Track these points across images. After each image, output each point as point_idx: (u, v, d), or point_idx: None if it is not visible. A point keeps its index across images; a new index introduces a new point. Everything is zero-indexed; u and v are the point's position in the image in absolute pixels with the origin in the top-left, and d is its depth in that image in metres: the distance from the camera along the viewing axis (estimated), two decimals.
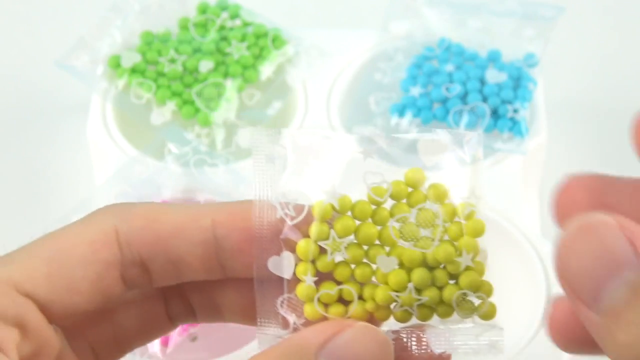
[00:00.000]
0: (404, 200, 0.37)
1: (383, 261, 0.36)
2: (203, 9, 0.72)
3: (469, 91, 0.67)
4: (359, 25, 0.81)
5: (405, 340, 0.37)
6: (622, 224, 0.33)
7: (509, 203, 0.64)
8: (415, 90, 0.68)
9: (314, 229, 0.37)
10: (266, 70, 0.70)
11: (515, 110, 0.66)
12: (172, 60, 0.69)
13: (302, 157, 0.37)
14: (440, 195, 0.37)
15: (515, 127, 0.66)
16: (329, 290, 0.37)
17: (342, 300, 0.37)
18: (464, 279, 0.36)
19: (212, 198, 0.62)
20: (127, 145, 0.67)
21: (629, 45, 0.81)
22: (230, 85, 0.69)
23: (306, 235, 0.37)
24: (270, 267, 0.37)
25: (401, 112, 0.68)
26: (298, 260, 0.37)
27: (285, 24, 0.72)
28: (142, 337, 0.39)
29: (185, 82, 0.69)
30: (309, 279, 0.37)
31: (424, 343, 0.37)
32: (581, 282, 0.33)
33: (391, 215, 0.37)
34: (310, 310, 0.37)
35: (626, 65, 0.79)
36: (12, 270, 0.36)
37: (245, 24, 0.72)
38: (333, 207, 0.37)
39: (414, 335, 0.37)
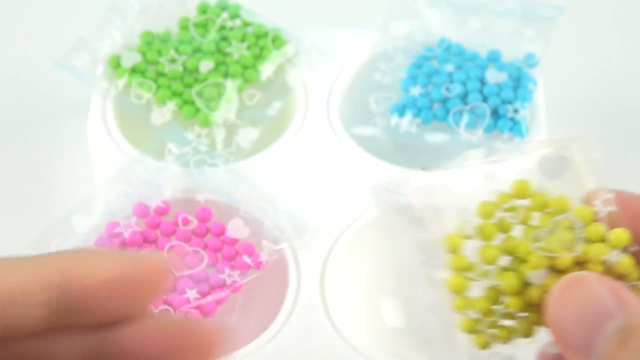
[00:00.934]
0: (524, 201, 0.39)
1: (534, 275, 0.38)
2: (203, 9, 0.72)
3: (469, 91, 0.67)
4: (359, 25, 0.81)
5: None
6: (601, 279, 0.36)
7: None
8: (415, 91, 0.68)
9: (456, 262, 0.38)
10: (266, 70, 0.70)
11: (516, 111, 0.66)
12: (172, 60, 0.69)
13: (427, 198, 0.38)
14: (563, 207, 0.38)
15: (515, 127, 0.66)
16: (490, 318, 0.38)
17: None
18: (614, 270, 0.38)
19: (212, 198, 0.62)
20: (127, 145, 0.67)
21: (629, 45, 0.81)
22: (231, 85, 0.69)
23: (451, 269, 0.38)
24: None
25: (401, 112, 0.68)
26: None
27: (285, 24, 0.72)
28: None
29: (186, 82, 0.69)
30: (471, 314, 0.38)
31: None
32: (572, 332, 0.36)
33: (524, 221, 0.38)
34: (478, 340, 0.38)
35: (627, 66, 0.79)
36: None
37: (246, 24, 0.72)
38: (463, 235, 0.38)
39: None
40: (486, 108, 0.66)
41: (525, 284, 0.38)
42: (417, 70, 0.69)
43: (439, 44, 0.70)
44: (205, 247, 0.60)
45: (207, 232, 0.60)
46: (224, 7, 0.72)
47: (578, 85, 0.78)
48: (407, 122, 0.67)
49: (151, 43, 0.70)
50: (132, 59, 0.69)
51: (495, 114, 0.66)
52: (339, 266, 0.61)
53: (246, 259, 0.59)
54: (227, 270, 0.58)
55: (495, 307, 0.38)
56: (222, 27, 0.71)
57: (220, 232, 0.60)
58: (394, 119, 0.68)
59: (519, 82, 0.68)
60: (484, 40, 0.71)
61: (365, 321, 0.63)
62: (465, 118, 0.66)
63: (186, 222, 0.60)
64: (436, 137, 0.66)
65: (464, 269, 0.37)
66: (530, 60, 0.69)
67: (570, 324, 0.35)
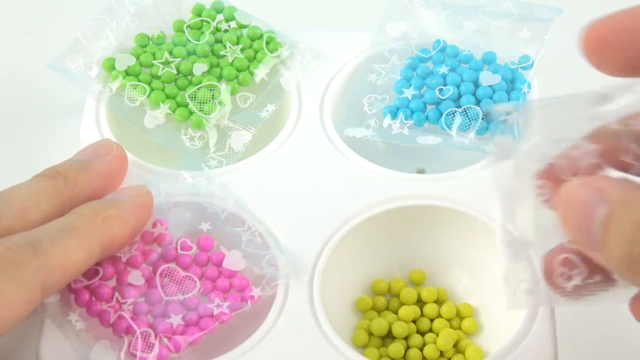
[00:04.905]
0: None
1: None
2: (198, 11, 0.72)
3: (463, 93, 0.67)
4: (354, 27, 0.81)
5: None
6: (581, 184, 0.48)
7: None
8: (409, 92, 0.68)
9: None
10: (260, 73, 0.70)
11: (507, 113, 0.66)
12: (166, 63, 0.69)
13: None
14: None
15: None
16: None
17: None
18: None
19: (216, 228, 0.62)
20: None
21: None
22: (224, 88, 0.69)
23: None
24: None
25: (394, 114, 0.67)
26: None
27: (280, 26, 0.72)
28: None
29: (180, 85, 0.69)
30: None
31: None
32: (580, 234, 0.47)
33: None
34: None
35: None
36: None
37: (241, 27, 0.71)
38: None
39: None
40: (478, 110, 0.66)
41: None
42: (411, 72, 0.69)
43: (433, 45, 0.70)
44: (202, 275, 0.60)
45: (208, 261, 0.60)
46: (219, 10, 0.72)
47: (573, 88, 0.77)
48: (399, 124, 0.67)
49: (146, 45, 0.70)
50: (126, 61, 0.69)
51: (488, 116, 0.66)
52: (329, 268, 0.61)
53: (238, 292, 0.59)
54: (217, 301, 0.58)
55: None
56: (217, 30, 0.71)
57: (219, 263, 0.60)
58: (387, 121, 0.67)
59: (513, 84, 0.68)
60: (480, 42, 0.70)
61: (355, 322, 0.63)
62: (457, 120, 0.66)
63: (186, 248, 0.60)
64: (428, 139, 0.66)
65: None
66: (525, 62, 0.69)
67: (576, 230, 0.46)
